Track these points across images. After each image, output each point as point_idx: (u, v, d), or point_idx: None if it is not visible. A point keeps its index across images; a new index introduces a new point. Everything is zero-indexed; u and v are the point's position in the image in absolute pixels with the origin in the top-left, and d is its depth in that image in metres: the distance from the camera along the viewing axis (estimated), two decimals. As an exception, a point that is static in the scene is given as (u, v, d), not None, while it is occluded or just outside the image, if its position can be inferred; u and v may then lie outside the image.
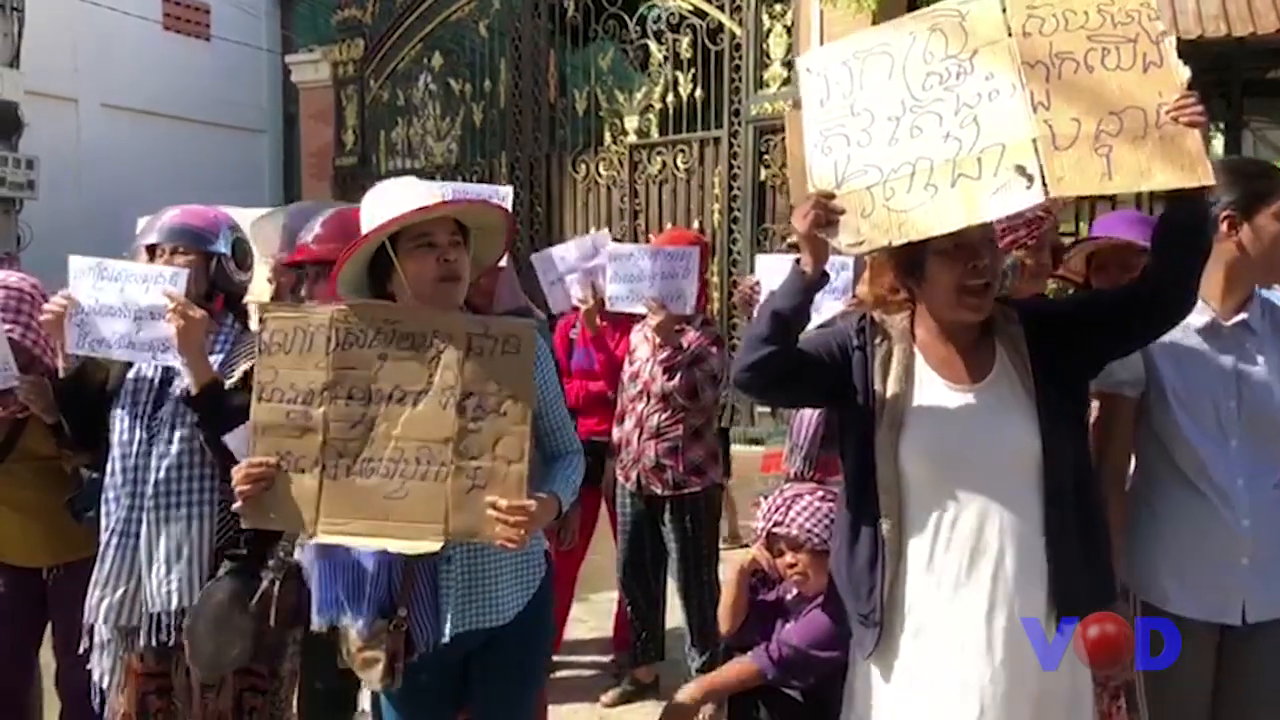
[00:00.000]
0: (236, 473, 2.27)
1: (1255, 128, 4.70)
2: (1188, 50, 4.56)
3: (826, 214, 2.31)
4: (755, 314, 2.54)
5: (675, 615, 4.75)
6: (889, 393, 2.42)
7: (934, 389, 2.43)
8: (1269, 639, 2.55)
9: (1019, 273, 3.06)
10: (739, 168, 9.69)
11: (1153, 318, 2.36)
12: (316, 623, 2.49)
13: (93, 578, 3.05)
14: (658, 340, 4.35)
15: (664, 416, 4.38)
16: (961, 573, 2.35)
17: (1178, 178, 2.16)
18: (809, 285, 2.37)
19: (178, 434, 2.99)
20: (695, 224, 9.82)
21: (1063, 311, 2.48)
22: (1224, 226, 2.58)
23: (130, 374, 3.10)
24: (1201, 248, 2.31)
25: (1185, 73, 2.22)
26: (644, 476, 4.41)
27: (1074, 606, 2.29)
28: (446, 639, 2.40)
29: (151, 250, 3.12)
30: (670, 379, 4.29)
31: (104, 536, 3.05)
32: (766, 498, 4.45)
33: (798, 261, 2.40)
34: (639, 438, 4.40)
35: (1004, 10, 2.32)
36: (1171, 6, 4.57)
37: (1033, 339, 2.38)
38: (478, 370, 2.25)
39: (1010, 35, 2.30)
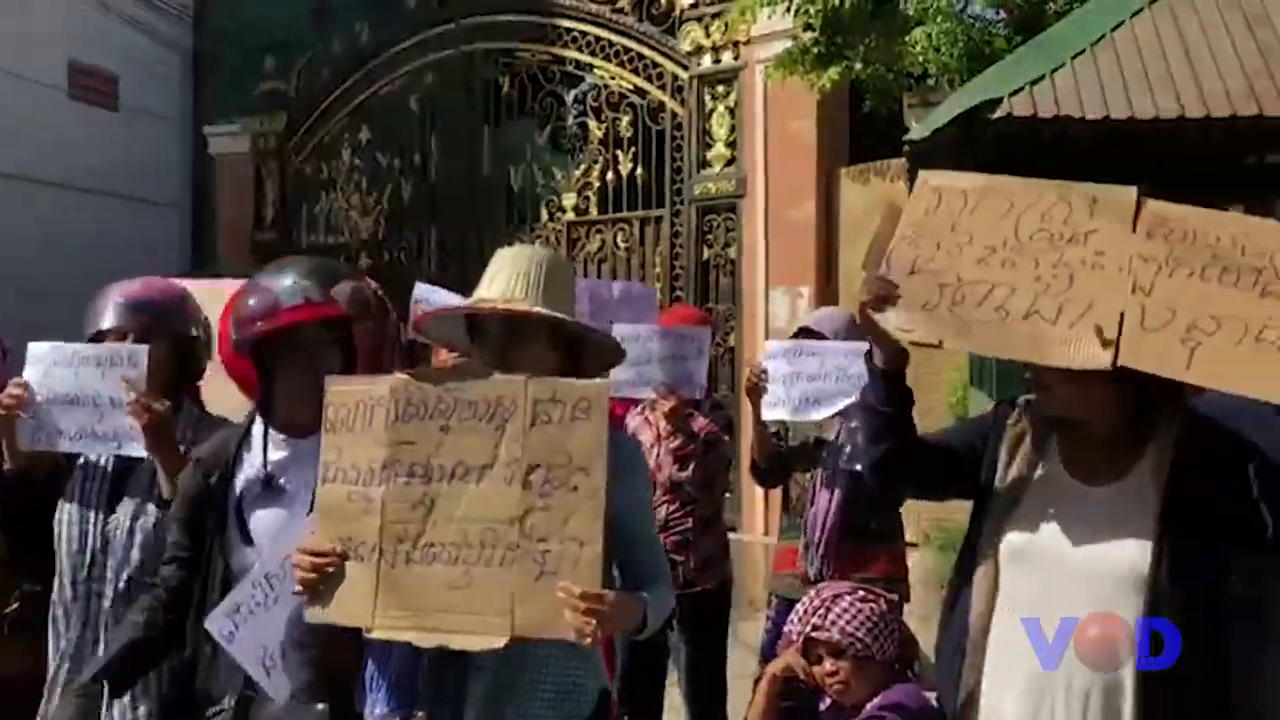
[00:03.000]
0: (299, 558, 2.01)
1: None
2: (1210, 131, 4.70)
3: (885, 289, 2.19)
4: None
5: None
6: (1009, 477, 2.26)
7: (1056, 481, 2.24)
8: None
9: None
10: (681, 247, 9.58)
11: None
12: (358, 702, 2.24)
13: (39, 710, 2.66)
14: (665, 427, 4.06)
15: (672, 508, 4.06)
16: (1039, 693, 2.14)
17: (1262, 387, 2.04)
18: (886, 373, 2.25)
19: (138, 539, 2.63)
20: (635, 304, 9.67)
21: (1234, 477, 2.18)
22: None
23: (77, 472, 2.73)
24: None
25: None
26: None
27: None
28: None
29: (104, 335, 2.77)
30: (683, 469, 4.00)
31: (52, 662, 2.68)
32: (776, 597, 4.21)
33: (870, 355, 2.29)
34: None
35: (1137, 211, 2.26)
36: (1198, 87, 4.54)
37: (1185, 458, 2.17)
38: (544, 439, 2.00)
39: (1134, 232, 2.24)
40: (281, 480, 2.36)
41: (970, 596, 2.26)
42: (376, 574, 1.99)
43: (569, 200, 10.24)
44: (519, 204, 10.69)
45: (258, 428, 2.39)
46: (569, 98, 10.48)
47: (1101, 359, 2.07)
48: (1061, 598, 2.15)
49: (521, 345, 2.17)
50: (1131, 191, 2.31)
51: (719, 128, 9.41)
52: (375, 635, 2.00)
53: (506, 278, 2.20)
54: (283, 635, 2.20)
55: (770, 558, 4.51)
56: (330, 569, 2.00)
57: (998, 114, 4.66)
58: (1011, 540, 2.22)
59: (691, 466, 3.99)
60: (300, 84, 12.09)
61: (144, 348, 2.66)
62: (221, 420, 2.70)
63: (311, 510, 2.17)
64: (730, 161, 9.34)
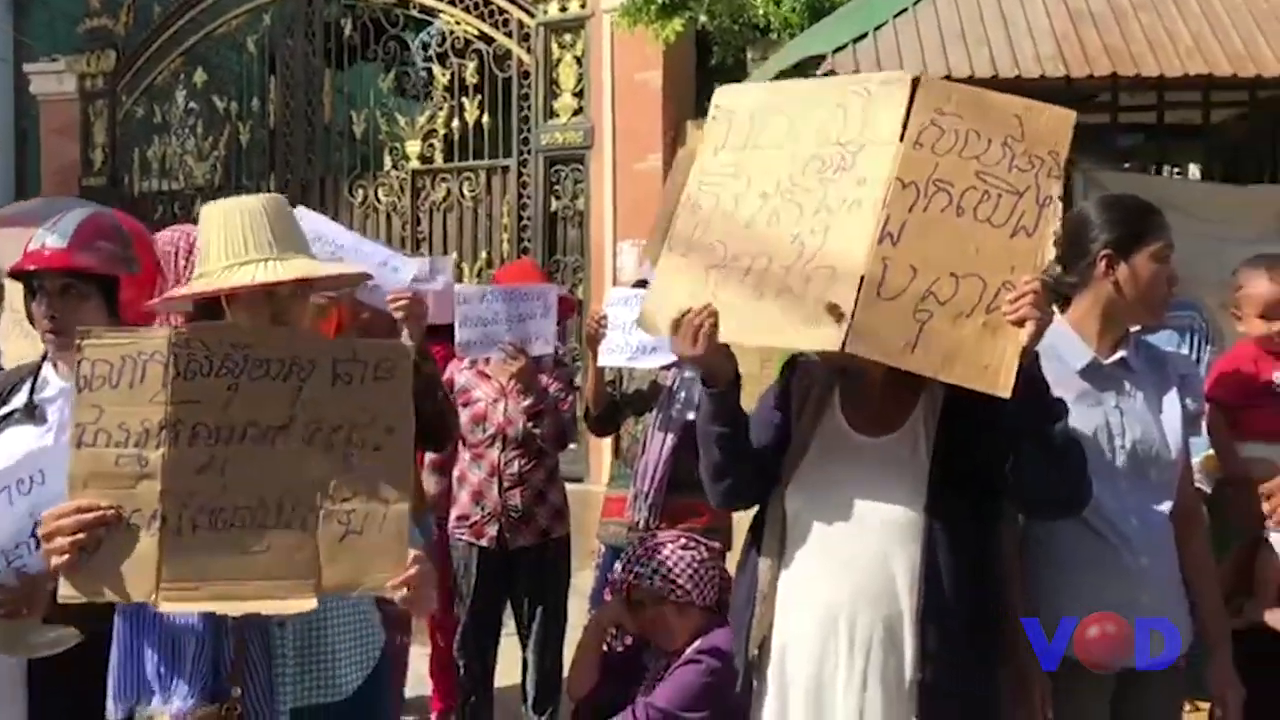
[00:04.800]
0: (49, 522, 1.86)
1: (1086, 169, 4.91)
2: (1021, 92, 4.87)
3: (705, 331, 2.17)
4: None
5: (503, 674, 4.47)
6: (798, 433, 2.35)
7: (837, 433, 2.34)
8: (1160, 682, 2.53)
9: None
10: (528, 198, 9.48)
11: (1031, 506, 2.32)
12: (112, 713, 2.11)
13: None
14: (511, 384, 4.07)
15: (524, 462, 4.12)
16: (826, 632, 2.25)
17: (974, 378, 2.05)
18: (719, 399, 2.28)
19: None
20: (483, 254, 9.60)
21: (986, 428, 2.27)
22: (1102, 265, 2.56)
23: None
24: (1056, 471, 2.17)
25: (1050, 254, 2.12)
26: (508, 530, 4.11)
27: (939, 707, 2.21)
28: (285, 718, 2.10)
29: None
30: (537, 425, 4.03)
31: None
32: (605, 546, 4.28)
33: (705, 382, 2.31)
34: (499, 487, 4.10)
35: (911, 103, 2.17)
36: (1010, 48, 4.69)
37: (953, 403, 2.27)
38: (347, 400, 1.96)
39: (903, 140, 2.16)
40: (47, 409, 2.32)
41: (761, 548, 2.35)
42: (159, 543, 1.88)
43: (413, 148, 9.99)
44: (362, 151, 10.40)
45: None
46: (414, 43, 10.22)
47: (833, 340, 2.07)
48: (844, 546, 2.26)
49: (286, 306, 2.14)
50: (905, 82, 2.20)
51: (566, 77, 9.31)
52: (163, 609, 1.90)
53: (245, 238, 2.11)
54: None
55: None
56: (95, 534, 1.86)
57: (822, 70, 4.76)
58: (797, 493, 2.31)
59: (545, 423, 4.02)
60: (129, 21, 11.46)
61: None
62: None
63: None
64: (578, 112, 9.26)
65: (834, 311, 2.07)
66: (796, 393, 2.39)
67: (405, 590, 1.95)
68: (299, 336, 2.05)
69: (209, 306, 2.16)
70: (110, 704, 2.10)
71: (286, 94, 10.74)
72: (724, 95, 2.39)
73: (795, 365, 2.45)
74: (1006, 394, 2.03)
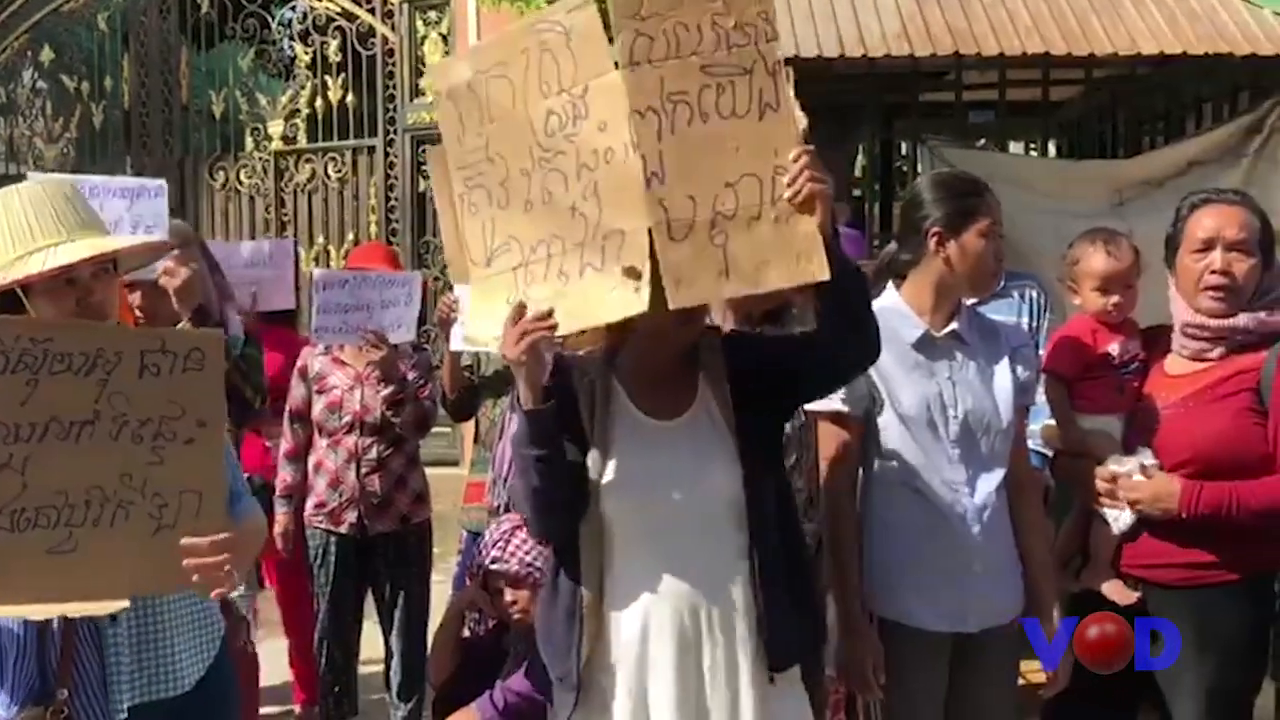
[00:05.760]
0: None
1: (933, 145, 5.03)
2: (874, 71, 4.98)
3: (539, 334, 2.08)
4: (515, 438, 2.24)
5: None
6: (593, 430, 2.26)
7: (634, 423, 2.28)
8: (996, 645, 2.63)
9: None
10: (396, 178, 9.34)
11: (835, 372, 2.32)
12: None
13: None
14: (369, 370, 4.02)
15: (383, 448, 4.07)
16: (669, 626, 2.21)
17: (791, 274, 1.97)
18: (538, 420, 2.15)
19: None
20: (350, 236, 9.42)
21: (766, 352, 2.36)
22: (932, 243, 2.63)
23: None
24: (856, 325, 2.17)
25: (802, 121, 2.04)
26: (367, 516, 4.06)
27: (785, 655, 2.25)
28: (123, 716, 2.05)
29: None
30: (397, 414, 3.98)
31: None
32: (466, 532, 4.25)
33: (519, 399, 2.20)
34: (358, 473, 4.04)
35: (608, 25, 2.01)
36: (857, 27, 4.77)
37: (735, 372, 2.28)
38: (155, 392, 1.92)
39: (618, 66, 2.00)
40: None
41: (577, 557, 2.24)
42: None
43: (276, 128, 9.74)
44: (223, 131, 10.10)
45: None
46: (275, 20, 9.95)
47: (640, 302, 2.00)
48: (673, 534, 2.23)
49: (90, 289, 2.06)
50: (591, 5, 2.00)
51: (432, 55, 9.15)
52: None
53: (29, 226, 2.02)
54: None
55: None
56: None
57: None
58: (612, 492, 2.23)
59: (406, 410, 3.99)
60: (-31, -3, 10.94)
61: None
62: None
63: None
64: (445, 90, 9.15)
65: (632, 274, 1.99)
66: (581, 391, 2.29)
67: (226, 589, 1.95)
68: (102, 328, 1.99)
69: (12, 305, 2.05)
70: None
71: (142, 73, 10.35)
72: (436, 77, 2.25)
73: (560, 368, 2.31)
74: (826, 276, 1.97)
